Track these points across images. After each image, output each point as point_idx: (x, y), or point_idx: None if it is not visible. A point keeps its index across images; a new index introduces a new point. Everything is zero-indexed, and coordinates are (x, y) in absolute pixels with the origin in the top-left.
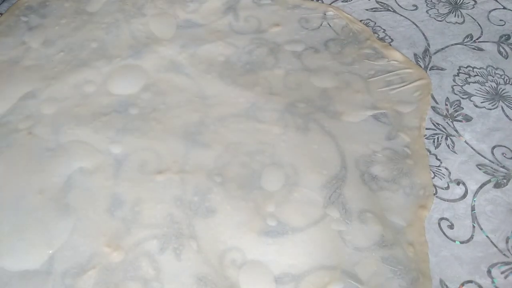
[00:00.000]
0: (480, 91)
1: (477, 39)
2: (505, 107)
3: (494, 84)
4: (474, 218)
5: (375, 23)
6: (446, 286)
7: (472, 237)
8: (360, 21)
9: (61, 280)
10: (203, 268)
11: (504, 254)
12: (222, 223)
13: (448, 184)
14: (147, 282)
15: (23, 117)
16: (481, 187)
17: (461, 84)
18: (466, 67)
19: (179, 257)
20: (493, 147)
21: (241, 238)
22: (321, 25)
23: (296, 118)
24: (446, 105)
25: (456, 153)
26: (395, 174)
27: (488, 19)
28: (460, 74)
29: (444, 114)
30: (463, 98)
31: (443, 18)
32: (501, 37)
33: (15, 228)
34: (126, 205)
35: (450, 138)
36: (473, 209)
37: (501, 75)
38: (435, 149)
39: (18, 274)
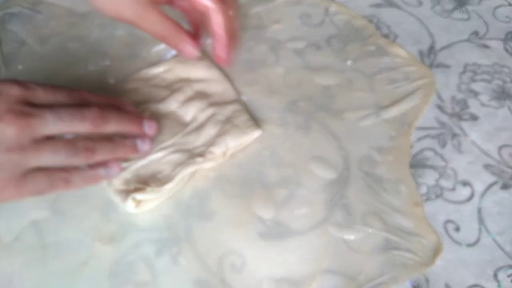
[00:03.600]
0: (487, 89)
1: (483, 36)
2: (511, 106)
3: (500, 82)
4: (481, 221)
5: (379, 19)
6: None
7: (478, 240)
8: (363, 17)
9: (55, 281)
10: (201, 272)
11: (511, 258)
12: (220, 226)
13: (454, 185)
14: (142, 286)
15: None
16: (488, 188)
17: (467, 82)
18: (472, 65)
19: (176, 261)
20: (500, 147)
21: (240, 241)
22: (323, 21)
23: (297, 117)
24: (452, 103)
25: (462, 153)
26: (399, 175)
27: (494, 15)
28: (466, 71)
29: (450, 112)
30: (469, 97)
31: (448, 15)
32: (507, 34)
33: (9, 228)
34: (121, 207)
35: (456, 137)
36: (479, 211)
37: (507, 73)
38: (441, 149)
39: None
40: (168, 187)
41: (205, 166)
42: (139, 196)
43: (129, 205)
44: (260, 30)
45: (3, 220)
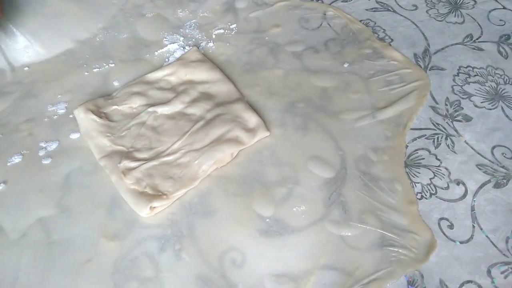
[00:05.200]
0: (480, 91)
1: (477, 39)
2: (505, 107)
3: (494, 84)
4: (474, 218)
5: (375, 23)
6: (446, 286)
7: (472, 237)
8: (360, 21)
9: (60, 278)
10: (203, 268)
11: (504, 254)
12: (221, 224)
13: (448, 184)
14: (146, 281)
15: (25, 119)
16: (481, 187)
17: (461, 84)
18: (466, 67)
19: (179, 257)
20: (493, 147)
21: (241, 238)
22: (321, 25)
23: (295, 118)
24: (446, 105)
25: (456, 153)
26: (394, 174)
27: (488, 19)
28: (460, 74)
29: (444, 114)
30: (463, 98)
31: (443, 18)
32: (501, 37)
33: (16, 225)
34: (126, 204)
35: (450, 138)
36: (473, 209)
37: (501, 75)
38: (435, 149)
39: None
40: (185, 190)
41: (217, 166)
42: (156, 203)
43: (145, 212)
44: (260, 33)
45: (11, 218)
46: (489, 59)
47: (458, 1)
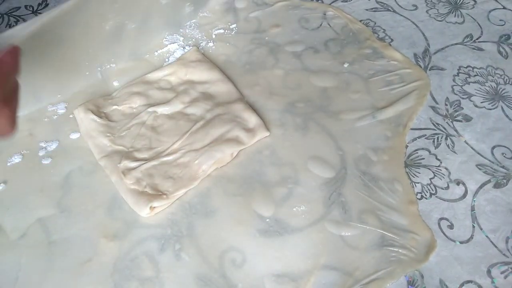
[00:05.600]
0: (480, 91)
1: (477, 39)
2: (505, 107)
3: (494, 84)
4: (474, 218)
5: (375, 23)
6: (446, 286)
7: (472, 237)
8: (360, 21)
9: (60, 278)
10: (203, 268)
11: (504, 254)
12: (221, 223)
13: (448, 184)
14: (146, 281)
15: (25, 119)
16: (481, 187)
17: (461, 84)
18: (466, 67)
19: (179, 257)
20: (493, 147)
21: (241, 238)
22: (321, 25)
23: (295, 118)
24: (446, 105)
25: (456, 153)
26: (394, 174)
27: (488, 19)
28: (460, 74)
29: (444, 114)
30: (463, 98)
31: (443, 18)
32: (501, 37)
33: (16, 225)
34: (126, 204)
35: (450, 138)
36: (473, 209)
37: (501, 75)
38: (435, 149)
39: None
40: (185, 190)
41: (217, 166)
42: (156, 203)
43: (145, 212)
44: (260, 33)
45: (11, 218)
46: (489, 59)
47: (458, 1)
